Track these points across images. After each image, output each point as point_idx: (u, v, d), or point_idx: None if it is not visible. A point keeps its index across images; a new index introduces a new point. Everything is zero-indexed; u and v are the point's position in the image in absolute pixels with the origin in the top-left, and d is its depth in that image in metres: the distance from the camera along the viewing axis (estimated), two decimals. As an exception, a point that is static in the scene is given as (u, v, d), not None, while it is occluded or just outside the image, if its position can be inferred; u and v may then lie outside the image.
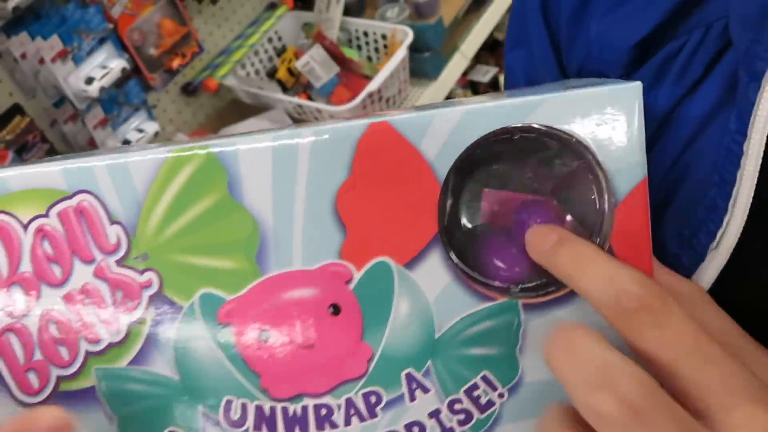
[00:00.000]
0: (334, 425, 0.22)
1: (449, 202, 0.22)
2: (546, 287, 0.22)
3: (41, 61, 0.94)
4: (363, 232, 0.21)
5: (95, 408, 0.22)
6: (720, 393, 0.18)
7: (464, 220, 0.22)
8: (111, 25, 1.01)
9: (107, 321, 0.22)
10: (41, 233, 0.21)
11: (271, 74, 1.30)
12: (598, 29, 0.29)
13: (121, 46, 1.03)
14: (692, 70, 0.26)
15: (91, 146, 1.09)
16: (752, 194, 0.22)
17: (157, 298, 0.22)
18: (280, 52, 1.35)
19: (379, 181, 0.21)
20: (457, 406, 0.22)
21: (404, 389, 0.22)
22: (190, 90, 1.28)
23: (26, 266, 0.22)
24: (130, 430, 0.23)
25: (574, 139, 0.21)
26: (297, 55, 1.27)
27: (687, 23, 0.26)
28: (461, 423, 0.23)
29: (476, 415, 0.23)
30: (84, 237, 0.21)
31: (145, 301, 0.22)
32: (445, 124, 0.21)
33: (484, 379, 0.22)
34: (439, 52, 1.29)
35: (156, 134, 1.13)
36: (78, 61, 0.97)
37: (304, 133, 0.21)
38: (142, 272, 0.22)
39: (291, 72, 1.28)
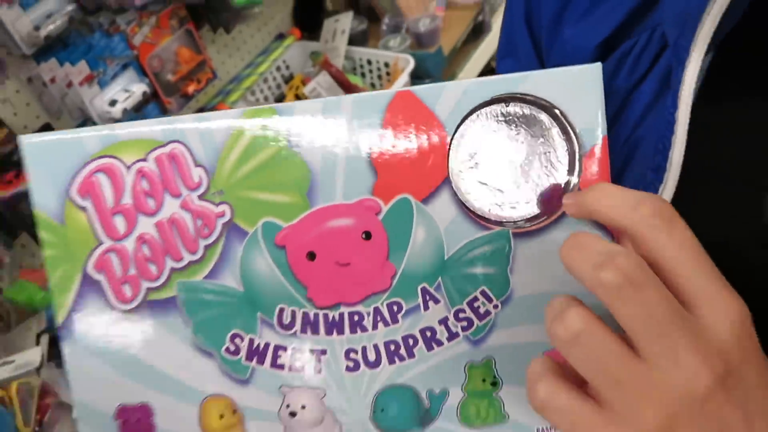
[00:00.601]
0: (364, 329, 0.28)
1: (456, 154, 0.28)
2: (534, 219, 0.28)
3: (69, 84, 1.02)
4: (390, 175, 0.27)
5: (175, 314, 0.28)
6: (706, 288, 0.23)
7: (469, 168, 0.28)
8: (133, 53, 1.09)
9: (189, 243, 0.28)
10: (140, 173, 0.27)
11: (279, 100, 1.38)
12: (571, 33, 0.35)
13: (142, 72, 1.11)
14: (640, 66, 0.33)
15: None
16: (683, 154, 0.28)
17: (229, 225, 0.28)
18: (288, 79, 1.44)
19: (403, 135, 0.27)
20: (461, 315, 0.28)
21: (420, 300, 0.28)
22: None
23: (127, 199, 0.28)
24: (202, 333, 0.28)
25: (548, 104, 0.27)
26: (304, 82, 1.36)
27: (637, 27, 0.33)
28: (464, 329, 0.28)
29: (476, 322, 0.28)
30: (174, 176, 0.27)
31: (219, 227, 0.28)
32: (454, 92, 0.28)
33: (483, 293, 0.28)
34: (439, 79, 1.38)
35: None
36: (103, 85, 1.05)
37: (345, 99, 0.28)
38: (217, 205, 0.28)
39: (298, 97, 1.36)
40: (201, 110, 1.32)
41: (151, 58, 1.14)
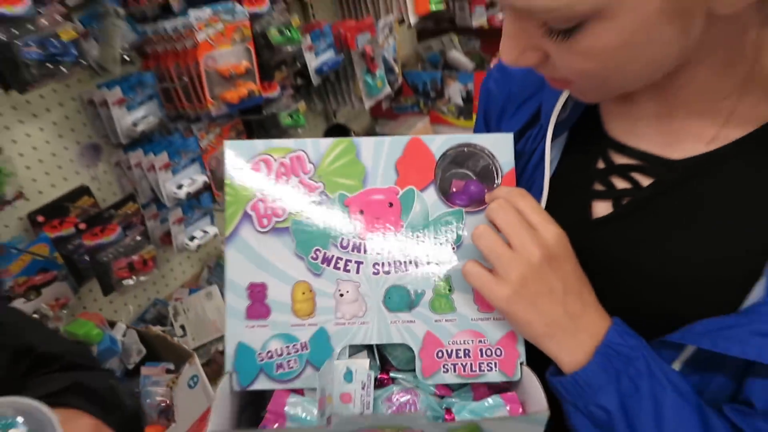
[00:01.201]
0: (400, 268, 0.53)
1: (439, 169, 0.54)
2: (476, 205, 0.54)
3: (150, 169, 1.32)
4: (405, 176, 0.54)
5: (287, 236, 0.53)
6: (541, 221, 0.49)
7: (444, 177, 0.54)
8: (200, 152, 1.40)
9: (301, 199, 0.53)
10: (281, 164, 0.54)
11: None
12: (504, 127, 0.64)
13: (204, 168, 1.42)
14: (532, 142, 0.60)
15: (163, 241, 1.42)
16: (548, 181, 0.55)
17: (322, 192, 0.54)
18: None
19: (413, 158, 0.54)
20: (436, 245, 0.53)
21: (416, 239, 0.53)
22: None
23: (272, 176, 0.54)
24: (300, 247, 0.52)
25: (486, 150, 0.55)
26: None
27: (535, 123, 0.61)
28: (439, 263, 0.53)
29: (447, 252, 0.53)
30: (298, 166, 0.54)
31: (317, 193, 0.53)
32: (441, 140, 0.55)
33: (447, 239, 0.53)
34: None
35: (215, 236, 1.47)
36: (175, 172, 1.35)
37: (386, 138, 0.55)
38: (317, 182, 0.54)
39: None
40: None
41: (212, 158, 1.45)
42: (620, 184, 0.52)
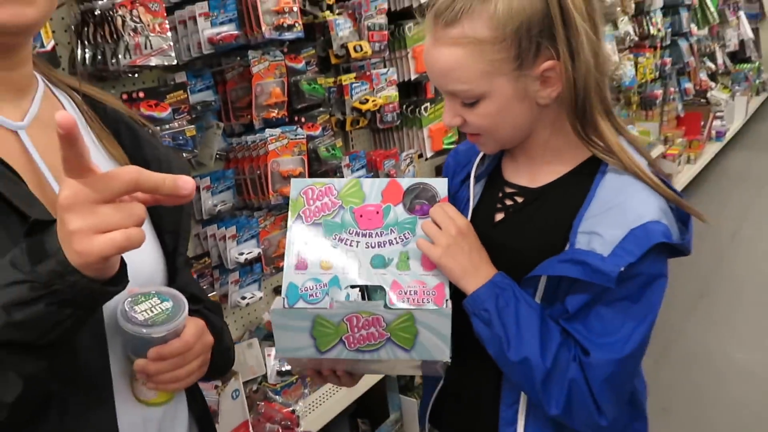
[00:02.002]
0: (381, 246, 0.92)
1: (406, 196, 0.95)
2: (424, 217, 0.94)
3: (222, 239, 1.76)
4: (386, 198, 0.93)
5: (320, 227, 0.93)
6: (443, 217, 0.89)
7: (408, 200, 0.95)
8: (259, 231, 1.85)
9: (328, 209, 0.94)
10: (320, 191, 0.96)
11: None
12: (452, 184, 1.05)
13: (258, 244, 1.85)
14: (465, 188, 1.01)
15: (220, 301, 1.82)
16: (473, 204, 0.96)
17: (341, 206, 0.94)
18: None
19: (391, 189, 0.95)
20: (402, 237, 0.92)
21: (390, 231, 0.93)
22: (279, 291, 2.06)
23: (317, 195, 0.96)
24: (328, 233, 0.93)
25: (434, 187, 0.95)
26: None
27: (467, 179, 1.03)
28: (402, 240, 0.92)
29: (404, 239, 0.92)
30: (328, 192, 0.95)
31: (337, 207, 0.94)
32: (406, 181, 0.96)
33: (407, 232, 0.92)
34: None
35: (260, 299, 1.87)
36: (239, 242, 1.79)
37: (375, 180, 0.97)
38: (337, 200, 0.95)
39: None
40: (278, 287, 2.03)
41: (264, 240, 1.89)
42: (508, 202, 0.93)
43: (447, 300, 0.89)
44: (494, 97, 0.82)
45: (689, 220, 0.86)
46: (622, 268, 0.75)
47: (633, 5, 3.81)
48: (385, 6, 2.04)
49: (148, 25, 1.39)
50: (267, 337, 1.93)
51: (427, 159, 2.37)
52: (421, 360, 0.86)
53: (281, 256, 1.94)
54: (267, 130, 1.75)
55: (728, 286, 3.49)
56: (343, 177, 2.03)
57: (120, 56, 1.38)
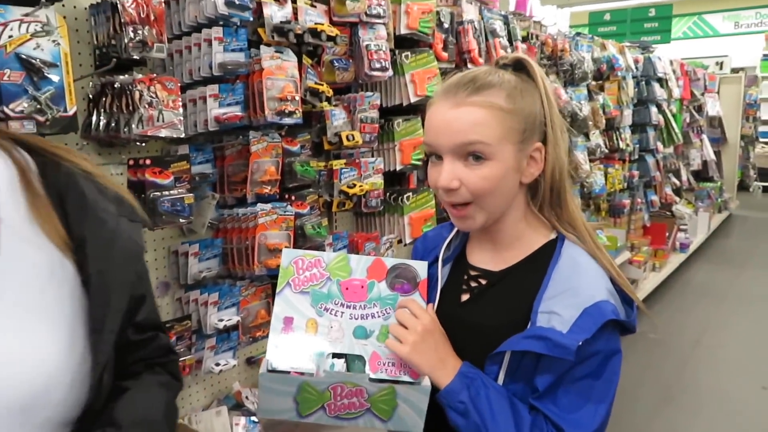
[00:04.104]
0: (358, 307, 1.00)
1: (389, 274, 1.04)
2: (404, 294, 1.03)
3: (204, 304, 1.82)
4: (371, 275, 1.03)
5: (308, 296, 1.02)
6: (420, 314, 0.99)
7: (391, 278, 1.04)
8: (240, 299, 1.91)
9: (316, 279, 1.03)
10: (309, 262, 1.05)
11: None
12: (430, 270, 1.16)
13: (239, 312, 1.91)
14: (437, 269, 1.12)
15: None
16: (440, 285, 1.06)
17: (328, 278, 1.03)
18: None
19: (376, 267, 1.05)
20: (384, 312, 1.00)
21: (373, 305, 1.01)
22: (252, 361, 2.10)
23: (306, 266, 1.04)
24: (313, 301, 1.01)
25: (415, 269, 1.05)
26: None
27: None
28: (382, 315, 1.00)
29: (384, 314, 1.00)
30: (317, 264, 1.04)
31: (325, 278, 1.03)
32: (390, 261, 1.06)
33: (388, 307, 1.01)
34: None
35: (234, 366, 1.90)
36: (220, 309, 1.84)
37: (363, 256, 1.07)
38: (325, 272, 1.04)
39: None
40: (250, 359, 2.06)
41: (244, 309, 1.95)
42: (473, 284, 1.03)
43: (425, 376, 0.95)
44: (499, 160, 0.93)
45: (633, 302, 0.97)
46: (580, 342, 0.85)
47: (604, 121, 4.12)
48: (378, 102, 2.22)
49: (163, 101, 1.53)
50: (236, 406, 1.94)
51: (405, 245, 2.48)
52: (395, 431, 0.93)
53: (258, 326, 2.00)
54: (259, 204, 1.86)
55: (691, 393, 3.56)
56: (325, 255, 2.13)
57: (133, 126, 1.49)
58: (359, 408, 0.91)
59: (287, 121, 1.82)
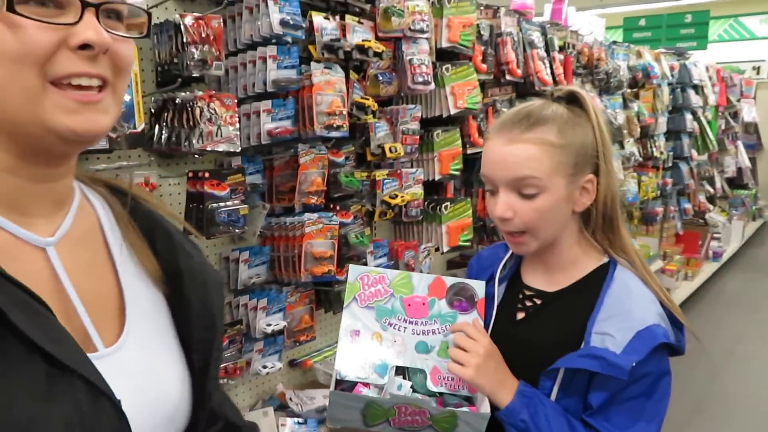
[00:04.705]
0: (421, 323, 1.06)
1: (448, 292, 1.10)
2: (463, 312, 1.08)
3: (254, 309, 1.90)
4: (432, 292, 1.09)
5: (373, 311, 1.07)
6: (480, 338, 1.04)
7: (450, 295, 1.09)
8: (286, 305, 1.99)
9: (381, 294, 1.09)
10: (374, 278, 1.11)
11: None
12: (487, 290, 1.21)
13: (285, 317, 1.99)
14: (493, 287, 1.16)
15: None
16: (497, 304, 1.11)
17: (392, 294, 1.09)
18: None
19: (436, 285, 1.10)
20: (442, 324, 1.06)
21: (433, 321, 1.07)
22: (294, 363, 2.17)
23: (372, 282, 1.10)
24: (378, 316, 1.07)
25: (473, 287, 1.10)
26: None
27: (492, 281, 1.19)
28: (443, 331, 1.06)
29: (447, 330, 1.06)
30: (381, 281, 1.10)
31: (388, 295, 1.09)
32: (450, 279, 1.11)
33: (447, 323, 1.07)
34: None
35: (279, 369, 1.98)
36: (268, 314, 1.92)
37: (424, 274, 1.12)
38: (389, 289, 1.10)
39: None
40: (293, 361, 2.14)
41: (289, 314, 2.03)
42: (528, 303, 1.08)
43: (486, 403, 1.00)
44: (551, 192, 0.99)
45: (682, 326, 1.01)
46: (634, 363, 0.90)
47: (639, 129, 4.11)
48: (419, 114, 2.28)
49: (221, 117, 1.60)
50: (280, 407, 2.02)
51: (443, 253, 2.53)
52: None
53: (302, 331, 2.07)
54: (306, 214, 1.93)
55: (721, 405, 3.55)
56: (366, 263, 2.20)
57: (193, 140, 1.58)
58: (421, 424, 0.97)
59: (335, 134, 1.89)
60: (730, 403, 3.58)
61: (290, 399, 2.04)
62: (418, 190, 2.32)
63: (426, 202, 2.45)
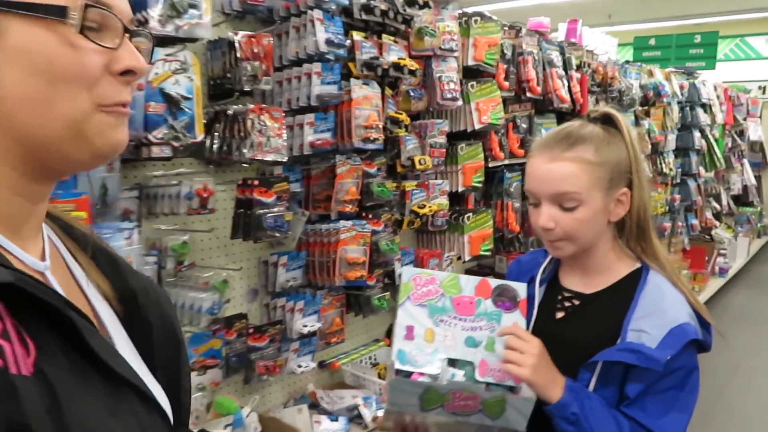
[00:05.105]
0: (473, 330, 1.16)
1: (493, 293, 1.21)
2: (507, 311, 1.19)
3: (291, 311, 2.00)
4: (478, 293, 1.19)
5: (426, 308, 1.17)
6: (530, 340, 1.13)
7: (494, 295, 1.20)
8: (321, 307, 2.09)
9: (433, 294, 1.20)
10: (425, 279, 1.21)
11: (374, 364, 2.29)
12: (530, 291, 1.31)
13: (320, 319, 2.09)
14: (533, 288, 1.28)
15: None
16: (537, 304, 1.22)
17: (440, 291, 1.20)
18: (375, 364, 2.37)
19: (482, 286, 1.20)
20: (488, 321, 1.17)
21: (480, 318, 1.17)
22: (323, 364, 2.27)
23: (420, 284, 1.21)
24: (430, 313, 1.17)
25: (515, 289, 1.20)
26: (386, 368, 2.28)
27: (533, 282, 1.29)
28: (490, 331, 1.16)
29: (493, 327, 1.17)
30: (432, 282, 1.21)
31: (439, 294, 1.19)
32: (494, 281, 1.22)
33: (493, 320, 1.17)
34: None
35: (313, 368, 2.07)
36: (304, 315, 2.02)
37: (471, 276, 1.23)
38: (439, 289, 1.20)
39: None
40: (322, 362, 2.24)
41: (322, 316, 2.13)
42: (567, 303, 1.19)
43: (530, 391, 1.10)
44: (589, 205, 1.10)
45: (709, 325, 1.11)
46: (669, 357, 1.00)
47: (650, 146, 4.22)
48: (446, 129, 2.39)
49: (270, 129, 1.72)
50: (311, 406, 2.12)
51: (464, 262, 2.63)
52: (500, 428, 1.08)
53: (333, 333, 2.18)
54: (341, 221, 2.04)
55: (727, 417, 3.63)
56: (394, 269, 2.30)
57: (244, 150, 1.69)
58: (473, 408, 1.07)
59: (371, 146, 2.00)
60: (736, 415, 3.66)
61: (321, 398, 2.14)
62: (444, 200, 2.43)
63: (449, 213, 2.55)
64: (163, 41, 1.49)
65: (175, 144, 1.49)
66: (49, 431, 0.46)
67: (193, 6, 1.43)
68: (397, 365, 1.12)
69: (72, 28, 0.53)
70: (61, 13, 0.52)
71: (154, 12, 1.38)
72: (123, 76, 0.57)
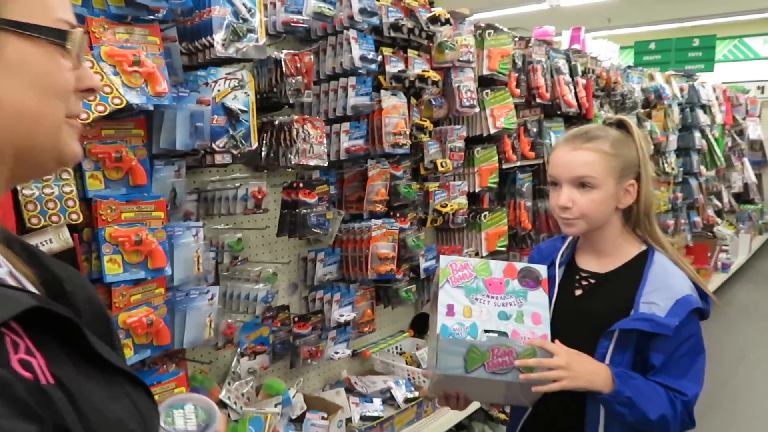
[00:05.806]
0: (504, 305, 1.35)
1: (519, 274, 1.39)
2: (531, 289, 1.38)
3: (328, 302, 2.20)
4: (506, 274, 1.38)
5: (462, 289, 1.37)
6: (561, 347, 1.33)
7: (520, 276, 1.40)
8: (354, 299, 2.28)
9: (467, 278, 1.39)
10: (460, 266, 1.40)
11: (401, 353, 2.48)
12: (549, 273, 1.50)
13: (353, 310, 2.28)
14: (553, 270, 1.46)
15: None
16: (557, 284, 1.41)
17: (476, 277, 1.39)
18: (401, 353, 2.56)
19: (509, 269, 1.40)
20: (517, 298, 1.36)
21: (508, 296, 1.36)
22: (355, 353, 2.46)
23: (456, 269, 1.40)
24: (466, 293, 1.37)
25: (538, 270, 1.39)
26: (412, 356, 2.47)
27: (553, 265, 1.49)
28: (518, 306, 1.35)
29: (521, 303, 1.36)
30: (466, 267, 1.40)
31: (473, 277, 1.38)
32: (519, 264, 1.41)
33: (521, 300, 1.36)
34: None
35: (349, 355, 2.27)
36: (341, 306, 2.22)
37: (499, 261, 1.42)
38: (472, 271, 1.39)
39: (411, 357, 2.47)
40: (354, 351, 2.44)
41: (356, 307, 2.32)
42: (584, 282, 1.38)
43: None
44: (603, 189, 1.29)
45: (707, 296, 1.31)
46: (677, 323, 1.19)
47: (652, 147, 4.41)
48: (464, 134, 2.59)
49: (313, 137, 1.92)
50: (346, 390, 2.31)
51: (482, 257, 2.83)
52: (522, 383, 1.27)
53: (366, 323, 2.37)
54: (372, 220, 2.24)
55: (732, 405, 3.81)
56: (419, 264, 2.50)
57: (290, 156, 1.88)
58: (509, 365, 1.26)
59: (399, 151, 2.20)
60: (740, 402, 3.84)
61: (355, 383, 2.33)
62: (463, 200, 2.62)
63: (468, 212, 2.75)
64: (222, 61, 1.69)
65: (234, 152, 1.69)
66: (79, 429, 0.50)
67: (251, 31, 1.63)
68: (444, 336, 1.31)
69: (61, 49, 0.58)
70: (61, 36, 0.58)
71: (218, 37, 1.58)
72: (83, 92, 0.62)
